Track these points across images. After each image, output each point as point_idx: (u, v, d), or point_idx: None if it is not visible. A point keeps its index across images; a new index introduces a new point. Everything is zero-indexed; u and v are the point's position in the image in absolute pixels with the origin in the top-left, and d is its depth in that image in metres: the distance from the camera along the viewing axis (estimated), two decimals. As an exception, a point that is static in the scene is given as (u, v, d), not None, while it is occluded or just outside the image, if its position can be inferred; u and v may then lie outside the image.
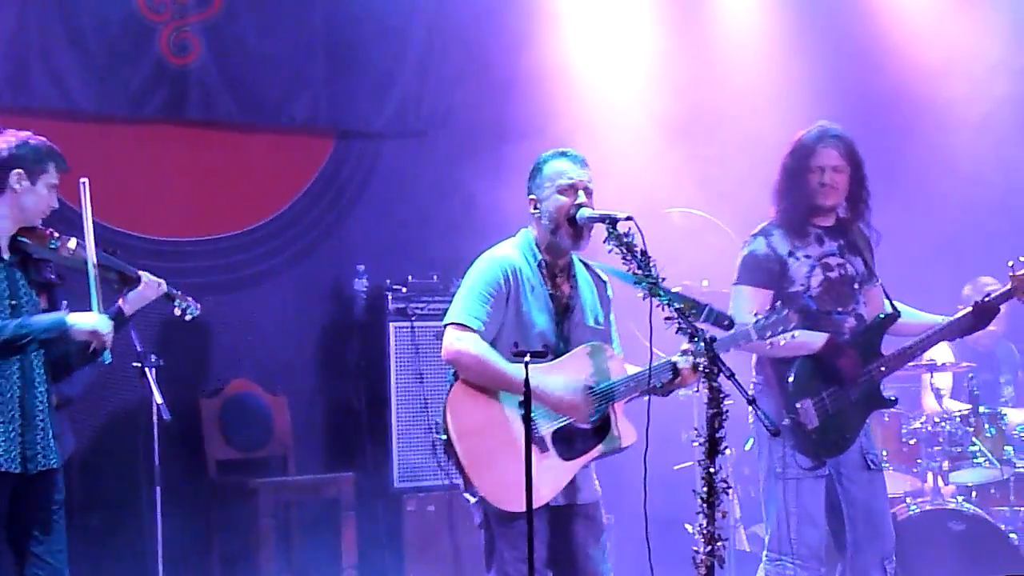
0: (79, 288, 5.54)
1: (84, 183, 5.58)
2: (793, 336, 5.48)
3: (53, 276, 5.68)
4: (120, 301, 5.69)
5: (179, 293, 5.93)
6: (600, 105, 9.01)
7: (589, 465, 5.48)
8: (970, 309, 6.13)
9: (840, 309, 6.06)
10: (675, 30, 9.42)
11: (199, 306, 5.98)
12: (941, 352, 7.45)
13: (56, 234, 5.57)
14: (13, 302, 5.45)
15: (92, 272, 5.49)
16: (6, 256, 5.50)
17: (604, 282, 5.61)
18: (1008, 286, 6.18)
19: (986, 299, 6.15)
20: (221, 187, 8.35)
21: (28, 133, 5.61)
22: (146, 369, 6.54)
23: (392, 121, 8.78)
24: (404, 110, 8.80)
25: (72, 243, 5.56)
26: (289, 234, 8.56)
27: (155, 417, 6.57)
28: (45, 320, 5.40)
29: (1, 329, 5.28)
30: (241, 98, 8.27)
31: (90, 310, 5.41)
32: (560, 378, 5.28)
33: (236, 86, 8.24)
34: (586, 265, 5.59)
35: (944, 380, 8.04)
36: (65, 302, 5.60)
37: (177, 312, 5.93)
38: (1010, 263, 6.21)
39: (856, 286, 6.11)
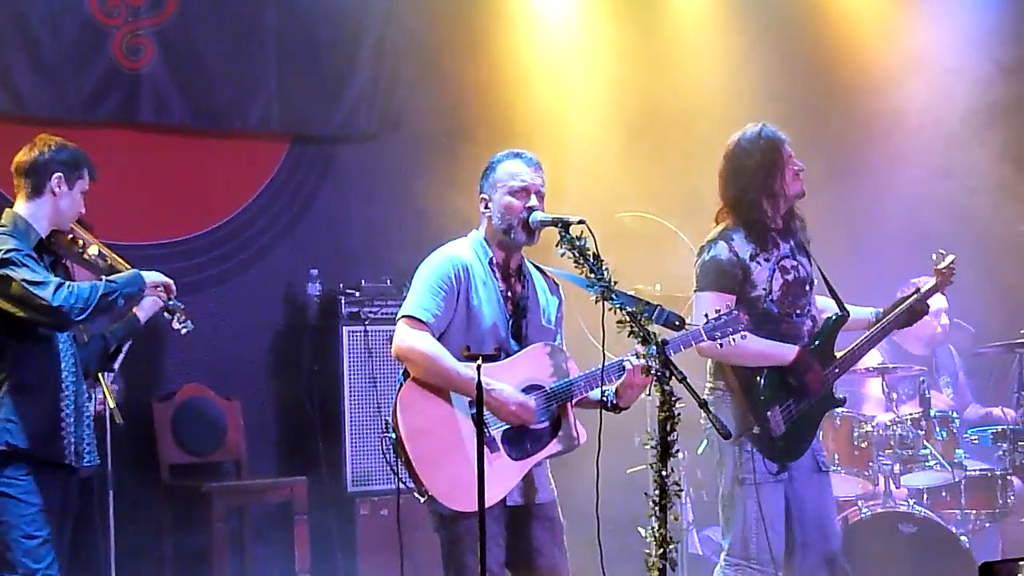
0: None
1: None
2: (743, 336, 5.50)
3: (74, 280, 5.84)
4: (135, 308, 5.95)
5: (181, 306, 6.01)
6: (555, 109, 9.06)
7: (544, 465, 5.49)
8: (906, 303, 6.20)
9: (798, 312, 6.08)
10: (630, 34, 9.46)
11: (193, 324, 6.08)
12: (870, 357, 7.47)
13: (81, 239, 5.75)
14: None
15: (121, 262, 5.76)
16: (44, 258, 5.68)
17: (557, 285, 5.64)
18: (933, 280, 6.27)
19: (915, 294, 6.23)
20: (174, 191, 8.34)
21: (61, 139, 5.78)
22: (99, 374, 6.52)
23: (345, 125, 8.79)
24: (357, 114, 8.80)
25: (94, 249, 5.76)
26: (242, 238, 8.56)
27: (107, 421, 6.55)
28: (123, 276, 5.62)
29: (95, 287, 5.44)
30: (194, 102, 8.27)
31: None
32: (507, 383, 5.29)
33: (189, 90, 8.23)
34: (538, 268, 5.61)
35: (876, 385, 8.05)
36: None
37: (175, 325, 6.03)
38: (933, 256, 6.29)
39: (807, 287, 6.13)
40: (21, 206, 5.65)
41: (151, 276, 5.72)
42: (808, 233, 6.21)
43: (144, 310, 5.94)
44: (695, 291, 6.06)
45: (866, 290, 6.92)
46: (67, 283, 5.41)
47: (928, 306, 6.38)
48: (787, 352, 5.92)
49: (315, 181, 8.82)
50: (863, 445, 7.69)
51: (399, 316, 5.38)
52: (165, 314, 5.97)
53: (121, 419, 6.58)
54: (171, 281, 5.79)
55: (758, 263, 6.00)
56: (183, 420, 8.03)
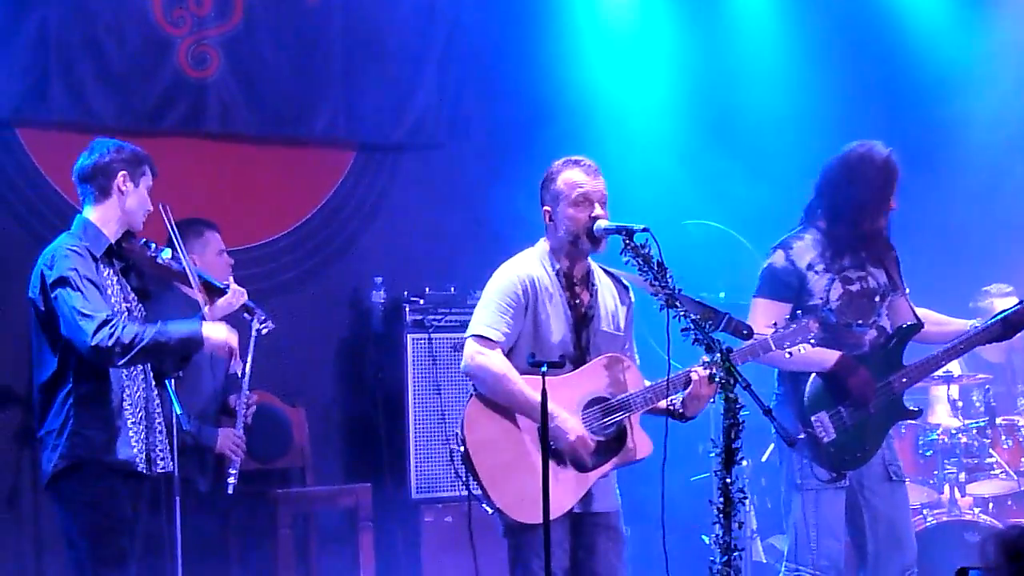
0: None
1: (166, 207, 5.83)
2: (813, 344, 5.49)
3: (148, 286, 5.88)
4: (207, 310, 5.81)
5: (255, 308, 6.08)
6: (621, 116, 9.04)
7: (609, 475, 5.50)
8: (1000, 319, 6.14)
9: (860, 322, 6.06)
10: (698, 40, 9.42)
11: (272, 324, 6.16)
12: (951, 364, 7.42)
13: (153, 244, 5.77)
14: (127, 306, 5.66)
15: (194, 282, 5.73)
16: (115, 262, 5.72)
17: (626, 288, 5.64)
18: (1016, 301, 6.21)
19: (1015, 311, 6.16)
20: (240, 200, 8.37)
21: (116, 141, 5.82)
22: (166, 381, 6.56)
23: (411, 133, 8.80)
24: (423, 122, 8.81)
25: (168, 253, 5.77)
26: (308, 246, 8.59)
27: (175, 428, 6.58)
28: (183, 329, 5.57)
29: (141, 334, 5.40)
30: (260, 111, 8.30)
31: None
32: (572, 397, 5.31)
33: (255, 99, 8.27)
34: (607, 271, 5.62)
35: (954, 393, 7.98)
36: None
37: (256, 325, 6.11)
38: None
39: (877, 299, 6.11)
40: (90, 211, 5.67)
41: (216, 336, 5.62)
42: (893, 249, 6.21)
43: (215, 311, 5.85)
44: (752, 296, 6.09)
45: (934, 297, 6.86)
46: (114, 322, 5.36)
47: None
48: (828, 357, 5.90)
49: (381, 189, 8.85)
50: (928, 453, 7.67)
51: (468, 334, 5.41)
52: (244, 315, 5.97)
53: (188, 425, 6.62)
54: (234, 345, 5.68)
55: (816, 273, 6.02)
56: (249, 427, 8.04)
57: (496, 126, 8.93)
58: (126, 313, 5.58)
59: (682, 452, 7.00)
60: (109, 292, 5.57)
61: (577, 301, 5.50)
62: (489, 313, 5.40)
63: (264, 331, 6.10)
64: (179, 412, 6.56)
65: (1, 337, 7.33)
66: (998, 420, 7.66)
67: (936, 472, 7.62)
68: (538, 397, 5.06)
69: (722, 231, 8.46)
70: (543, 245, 5.55)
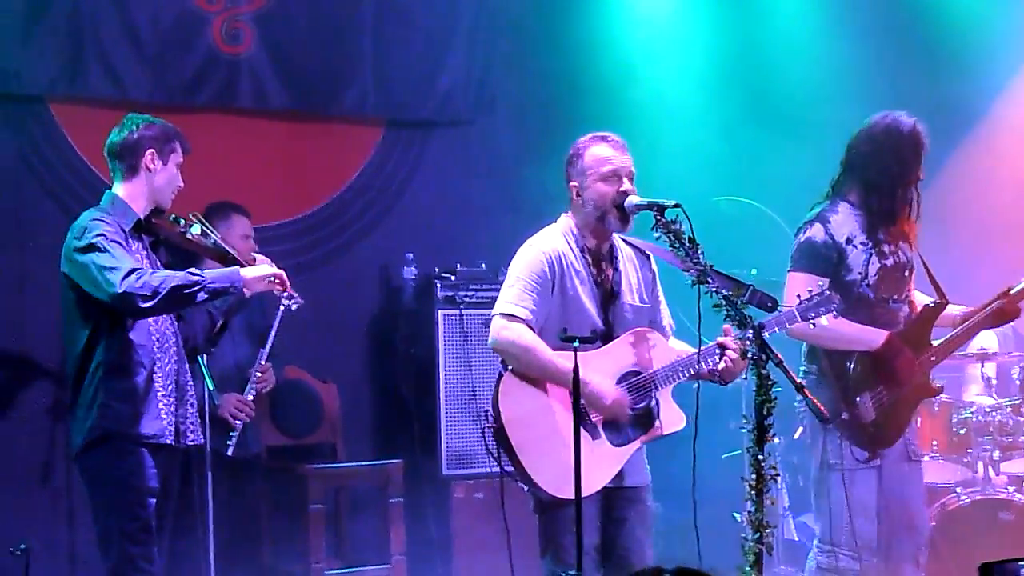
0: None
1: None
2: (836, 316, 5.47)
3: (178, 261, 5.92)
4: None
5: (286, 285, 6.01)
6: (651, 91, 9.00)
7: (641, 448, 5.50)
8: (1002, 299, 6.11)
9: (895, 297, 6.03)
10: (731, 15, 9.37)
11: (302, 299, 6.10)
12: (987, 340, 7.38)
13: (183, 219, 5.77)
14: None
15: (231, 251, 5.77)
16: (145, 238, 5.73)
17: (647, 257, 5.62)
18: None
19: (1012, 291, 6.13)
20: (271, 176, 8.39)
21: (148, 115, 5.83)
22: (198, 356, 6.59)
23: (440, 109, 8.78)
24: (452, 97, 8.79)
25: (197, 228, 5.77)
26: (339, 222, 8.60)
27: (207, 404, 6.61)
28: (215, 271, 5.58)
29: (171, 276, 5.41)
30: (292, 87, 8.30)
31: None
32: (605, 371, 5.30)
33: (287, 75, 8.27)
34: (627, 242, 5.60)
35: (990, 370, 7.95)
36: None
37: (284, 301, 6.08)
38: None
39: (907, 273, 6.08)
40: (119, 187, 5.69)
41: (256, 271, 5.67)
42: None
43: (249, 287, 5.81)
44: (788, 270, 6.04)
45: (972, 285, 6.83)
46: (141, 270, 5.38)
47: (1021, 308, 6.25)
48: (877, 337, 5.87)
49: (411, 165, 8.84)
50: (962, 432, 7.62)
51: (494, 312, 5.41)
52: (275, 291, 5.94)
53: (220, 401, 6.65)
54: (281, 272, 5.74)
55: (854, 247, 5.97)
56: (280, 402, 8.06)
57: (526, 101, 8.92)
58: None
59: (714, 428, 6.98)
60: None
61: (602, 277, 5.48)
62: (515, 291, 5.39)
63: (294, 307, 6.08)
64: (211, 388, 6.62)
65: (35, 312, 7.37)
66: (1032, 398, 7.61)
67: (970, 450, 7.58)
68: (569, 365, 5.06)
69: (754, 207, 8.43)
70: (567, 221, 5.53)
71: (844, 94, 8.81)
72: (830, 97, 8.83)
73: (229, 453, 6.68)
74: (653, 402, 5.41)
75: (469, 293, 8.21)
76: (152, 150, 5.67)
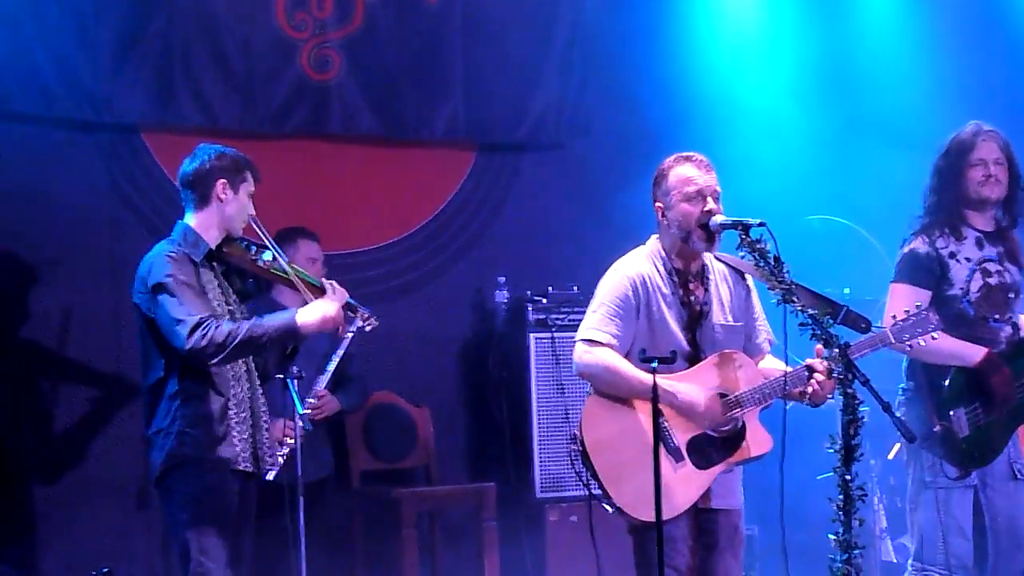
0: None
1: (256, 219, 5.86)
2: (934, 337, 5.39)
3: (250, 286, 5.92)
4: None
5: (358, 305, 6.03)
6: (742, 111, 8.95)
7: (734, 472, 5.45)
8: None
9: (997, 316, 5.95)
10: (821, 32, 9.30)
11: (377, 320, 6.10)
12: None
13: (255, 246, 5.81)
14: (230, 309, 5.72)
15: (297, 282, 5.75)
16: (217, 267, 5.77)
17: (741, 275, 5.57)
18: None
19: None
20: (362, 202, 8.45)
21: (219, 145, 5.86)
22: (288, 380, 6.62)
23: (532, 133, 8.79)
24: (544, 121, 8.80)
25: (268, 255, 5.79)
26: (430, 247, 8.63)
27: (296, 428, 6.64)
28: (277, 319, 5.59)
29: (235, 331, 5.43)
30: (381, 112, 8.35)
31: None
32: (693, 385, 5.26)
33: (376, 101, 8.32)
34: (720, 260, 5.56)
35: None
36: None
37: (359, 323, 6.06)
38: None
39: (1012, 295, 5.99)
40: (191, 216, 5.72)
41: (311, 316, 5.60)
42: None
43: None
44: (891, 282, 5.98)
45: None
46: (206, 323, 5.38)
47: None
48: (976, 352, 5.77)
49: (503, 189, 8.86)
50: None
51: (578, 338, 5.40)
52: (349, 312, 5.93)
53: (310, 425, 6.65)
54: (334, 314, 5.64)
55: (958, 261, 5.90)
56: (374, 427, 8.11)
57: (618, 124, 8.88)
58: (228, 315, 5.62)
59: (809, 450, 6.93)
60: (210, 296, 5.62)
61: (692, 298, 5.44)
62: (598, 316, 5.37)
63: (368, 328, 6.08)
64: (301, 412, 6.63)
65: (131, 338, 7.44)
66: None
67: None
68: (651, 381, 5.04)
69: (846, 226, 8.36)
70: (654, 243, 5.50)
71: (943, 106, 8.66)
72: (926, 110, 8.70)
73: (269, 478, 6.63)
74: (740, 424, 5.35)
75: (561, 316, 8.19)
76: (223, 180, 5.69)
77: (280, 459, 6.53)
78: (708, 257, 5.51)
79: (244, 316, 5.73)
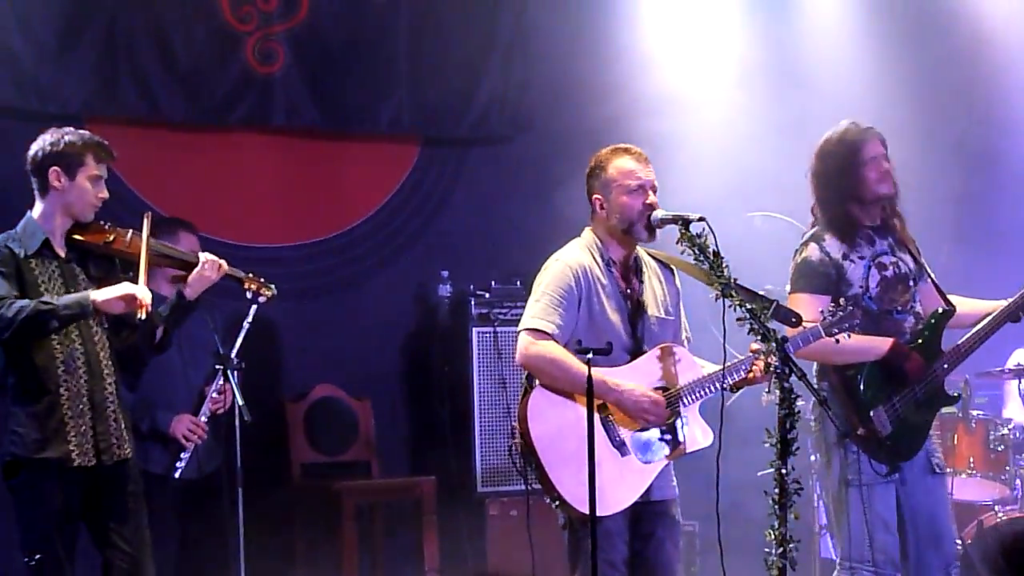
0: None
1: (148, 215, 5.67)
2: (857, 331, 5.42)
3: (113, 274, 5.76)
4: (181, 285, 5.73)
5: (248, 275, 5.92)
6: (686, 108, 8.96)
7: (668, 464, 5.47)
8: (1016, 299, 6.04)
9: (899, 308, 5.97)
10: (762, 31, 9.35)
11: (274, 287, 5.96)
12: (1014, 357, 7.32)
13: (111, 227, 5.63)
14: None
15: (142, 256, 5.51)
16: (62, 253, 5.57)
17: (672, 271, 5.61)
18: None
19: None
20: (306, 194, 8.42)
21: (68, 129, 5.65)
22: (228, 371, 6.60)
23: (476, 127, 8.81)
24: (488, 116, 8.82)
25: (128, 235, 5.61)
26: (374, 241, 8.62)
27: (237, 419, 6.62)
28: (69, 297, 5.41)
29: (26, 306, 5.30)
30: (326, 106, 8.34)
31: None
32: (637, 383, 5.29)
33: (321, 94, 8.31)
34: (650, 255, 5.59)
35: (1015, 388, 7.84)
36: None
37: (248, 295, 5.93)
38: None
39: (911, 283, 6.01)
40: (36, 206, 5.58)
41: (108, 293, 5.39)
42: (910, 230, 6.11)
43: (191, 287, 5.70)
44: (788, 293, 5.97)
45: (998, 287, 6.79)
46: (4, 300, 5.29)
47: None
48: (881, 344, 5.77)
49: (447, 183, 8.87)
50: (1000, 449, 7.56)
51: (520, 328, 5.41)
52: (244, 288, 5.85)
53: (249, 416, 6.62)
54: (136, 293, 5.35)
55: (851, 261, 5.91)
56: (315, 420, 8.11)
57: (561, 119, 8.87)
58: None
59: (749, 446, 6.97)
60: (43, 288, 5.45)
61: (630, 290, 5.47)
62: (541, 306, 5.37)
63: (263, 299, 5.94)
64: (241, 404, 6.62)
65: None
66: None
67: (1008, 467, 7.52)
68: (599, 374, 5.09)
69: (788, 223, 8.39)
70: (590, 235, 5.52)
71: (885, 105, 8.72)
72: (869, 109, 8.75)
73: (176, 476, 6.56)
74: (680, 418, 5.38)
75: (503, 311, 8.21)
76: (56, 168, 5.51)
77: (183, 457, 6.48)
78: (640, 251, 5.54)
79: None
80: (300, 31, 8.24)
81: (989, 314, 6.02)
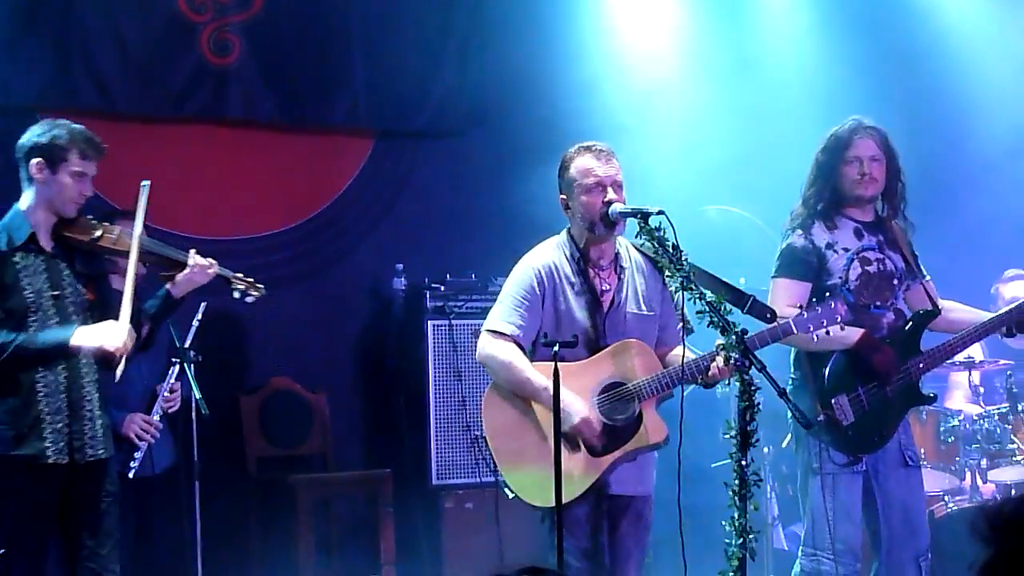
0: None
1: (145, 185, 5.63)
2: (842, 328, 5.47)
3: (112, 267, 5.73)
4: (169, 284, 5.71)
5: (237, 276, 5.91)
6: (640, 102, 9.00)
7: (638, 460, 5.51)
8: (1015, 307, 6.12)
9: (878, 303, 6.03)
10: (714, 26, 9.39)
11: (262, 287, 5.97)
12: (972, 348, 7.39)
13: (98, 224, 5.60)
14: (55, 293, 5.48)
15: (133, 258, 5.51)
16: (48, 247, 5.53)
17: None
18: None
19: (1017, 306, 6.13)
20: (262, 186, 8.40)
21: (62, 121, 5.61)
22: (184, 364, 6.57)
23: (431, 121, 8.79)
24: (443, 110, 8.80)
25: (116, 232, 5.58)
26: (329, 233, 8.60)
27: (193, 412, 6.60)
28: (51, 336, 5.39)
29: (8, 344, 5.31)
30: (281, 98, 8.31)
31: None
32: (588, 382, 5.33)
33: (276, 86, 8.28)
34: (640, 251, 5.60)
35: (976, 379, 7.93)
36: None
37: (236, 295, 5.91)
38: None
39: (895, 282, 6.08)
40: (23, 197, 5.54)
41: (88, 342, 5.39)
42: (909, 225, 6.19)
43: (178, 287, 5.70)
44: (771, 277, 6.06)
45: (962, 285, 6.86)
46: None
47: None
48: (851, 335, 5.83)
49: (401, 176, 8.85)
50: (950, 440, 7.64)
51: (483, 328, 5.48)
52: (224, 284, 5.83)
53: (206, 410, 6.60)
54: (112, 347, 5.35)
55: (835, 252, 6.01)
56: (270, 413, 8.09)
57: (516, 113, 8.86)
58: (52, 300, 5.44)
59: (706, 438, 7.01)
60: (26, 283, 5.42)
61: (605, 287, 5.50)
62: (503, 308, 5.47)
63: (249, 299, 5.94)
64: (198, 397, 6.59)
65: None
66: (1020, 406, 7.61)
67: (958, 458, 7.60)
68: (545, 381, 5.13)
69: (742, 216, 8.45)
70: (564, 233, 5.58)
71: (843, 99, 8.75)
72: (826, 103, 8.79)
73: (131, 475, 6.50)
74: (636, 413, 5.41)
75: (459, 303, 8.22)
76: (38, 159, 5.46)
77: (136, 456, 6.44)
78: (625, 246, 5.57)
79: (77, 299, 5.55)
80: (255, 22, 8.19)
81: (974, 324, 6.11)
